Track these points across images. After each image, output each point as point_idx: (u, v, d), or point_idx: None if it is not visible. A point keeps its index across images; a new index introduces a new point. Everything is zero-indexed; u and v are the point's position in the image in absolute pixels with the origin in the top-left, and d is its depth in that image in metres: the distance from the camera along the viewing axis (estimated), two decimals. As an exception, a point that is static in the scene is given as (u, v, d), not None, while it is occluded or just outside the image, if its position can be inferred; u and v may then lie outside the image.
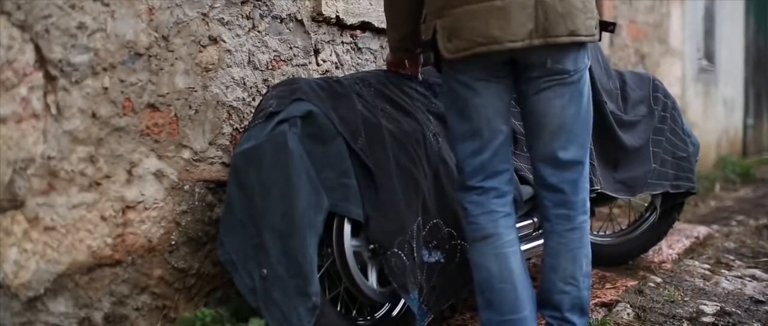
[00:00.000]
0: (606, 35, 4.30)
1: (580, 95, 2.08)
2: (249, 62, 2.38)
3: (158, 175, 2.12)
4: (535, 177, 2.17)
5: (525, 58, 2.01)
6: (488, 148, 2.09)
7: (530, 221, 2.64)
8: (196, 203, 2.23)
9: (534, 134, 2.11)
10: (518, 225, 2.54)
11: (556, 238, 2.14)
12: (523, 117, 2.15)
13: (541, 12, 1.94)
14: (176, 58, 2.14)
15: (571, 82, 2.04)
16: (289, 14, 2.52)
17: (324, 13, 2.62)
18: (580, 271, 2.12)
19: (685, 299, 2.93)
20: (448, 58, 2.01)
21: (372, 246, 2.19)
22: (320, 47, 2.66)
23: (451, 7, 1.98)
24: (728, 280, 3.22)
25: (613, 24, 2.18)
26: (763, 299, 3.02)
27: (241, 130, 2.34)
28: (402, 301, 2.34)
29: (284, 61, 2.52)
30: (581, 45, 2.04)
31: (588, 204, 2.16)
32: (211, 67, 2.25)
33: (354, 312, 2.30)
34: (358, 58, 2.84)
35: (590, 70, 2.31)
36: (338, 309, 2.22)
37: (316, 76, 2.64)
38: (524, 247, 2.57)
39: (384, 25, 2.87)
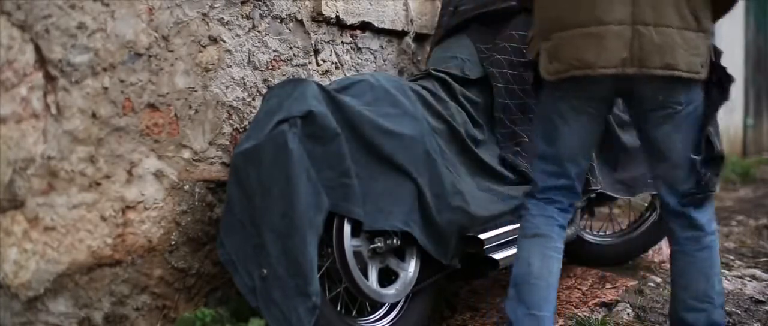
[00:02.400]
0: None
1: (696, 122, 2.10)
2: (249, 62, 2.38)
3: (158, 175, 2.12)
4: (661, 200, 2.20)
5: (636, 91, 2.06)
6: (564, 176, 2.18)
7: (530, 221, 2.64)
8: (196, 203, 2.23)
9: (655, 160, 2.16)
10: (518, 225, 2.55)
11: (686, 259, 2.17)
12: (643, 143, 2.20)
13: (637, 42, 1.97)
14: (176, 58, 2.14)
15: (686, 114, 2.07)
16: (289, 14, 2.52)
17: (324, 13, 2.62)
18: (713, 290, 2.16)
19: (685, 299, 2.92)
20: (547, 79, 2.10)
21: (373, 245, 2.20)
22: (320, 47, 2.66)
23: (556, 31, 2.05)
24: (728, 280, 3.22)
25: (729, 78, 2.12)
26: (763, 299, 3.01)
27: (241, 130, 2.34)
28: (401, 301, 2.35)
29: (284, 61, 2.52)
30: (691, 81, 2.04)
31: (714, 222, 2.20)
32: (211, 67, 2.25)
33: (354, 312, 2.30)
34: (358, 58, 2.84)
35: None
36: (338, 309, 2.22)
37: (316, 76, 2.64)
38: (524, 247, 2.57)
39: (383, 25, 2.88)
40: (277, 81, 2.45)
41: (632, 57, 1.98)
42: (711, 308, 2.15)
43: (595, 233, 3.27)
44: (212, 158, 2.27)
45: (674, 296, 2.22)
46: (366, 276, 2.21)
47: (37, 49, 1.82)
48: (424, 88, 2.58)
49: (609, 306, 2.76)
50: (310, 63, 2.62)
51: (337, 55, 2.74)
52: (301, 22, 2.57)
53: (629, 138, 2.95)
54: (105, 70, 1.96)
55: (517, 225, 2.53)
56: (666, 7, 1.98)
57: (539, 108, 2.23)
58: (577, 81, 2.06)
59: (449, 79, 2.68)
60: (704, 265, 2.15)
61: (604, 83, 2.05)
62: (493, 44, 2.83)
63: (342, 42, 2.76)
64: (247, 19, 2.37)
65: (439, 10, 3.07)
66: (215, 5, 2.25)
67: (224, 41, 2.29)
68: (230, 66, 2.32)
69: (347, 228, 2.14)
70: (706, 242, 2.15)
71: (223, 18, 2.28)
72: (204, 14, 2.22)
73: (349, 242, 2.14)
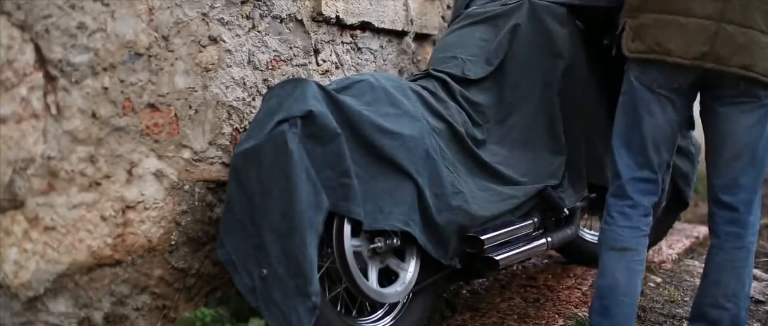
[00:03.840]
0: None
1: (767, 117, 2.10)
2: (249, 62, 2.38)
3: (158, 175, 2.12)
4: (710, 191, 2.20)
5: (716, 81, 2.07)
6: (648, 167, 2.19)
7: (530, 221, 2.64)
8: (196, 203, 2.23)
9: (715, 151, 2.16)
10: (518, 225, 2.56)
11: (723, 255, 2.18)
12: (706, 132, 2.19)
13: (720, 39, 1.99)
14: (176, 58, 2.14)
15: (761, 106, 2.07)
16: (289, 14, 2.52)
17: (324, 13, 2.62)
18: (742, 291, 2.17)
19: (685, 299, 2.93)
20: (627, 56, 2.13)
21: (373, 245, 2.20)
22: (320, 47, 2.66)
23: (644, 11, 2.08)
24: (728, 280, 3.22)
25: None
26: (763, 299, 3.02)
27: (241, 130, 2.34)
28: (401, 301, 2.35)
29: (284, 61, 2.52)
30: None
31: (758, 225, 2.20)
32: (211, 67, 2.25)
33: (354, 312, 2.30)
34: (358, 58, 2.84)
35: None
36: (338, 309, 2.22)
37: (316, 76, 2.64)
38: (524, 247, 2.57)
39: (383, 25, 2.88)
40: (277, 81, 2.45)
41: (712, 52, 2.00)
42: (735, 309, 2.16)
43: (594, 233, 3.27)
44: (212, 158, 2.27)
45: (703, 289, 2.22)
46: (366, 276, 2.21)
47: (37, 49, 1.82)
48: (424, 88, 2.58)
49: (609, 306, 2.76)
50: (310, 63, 2.62)
51: (337, 55, 2.74)
52: (301, 22, 2.57)
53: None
54: (105, 70, 1.96)
55: (517, 226, 2.55)
56: (754, 11, 1.99)
57: (626, 87, 2.23)
58: (656, 65, 2.08)
59: (449, 79, 2.68)
60: (739, 265, 2.16)
61: (682, 72, 2.06)
62: None
63: (342, 42, 2.76)
64: (247, 19, 2.37)
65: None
66: (215, 5, 2.25)
67: (224, 41, 2.29)
68: (230, 66, 2.32)
69: (347, 228, 2.14)
70: (746, 242, 2.16)
71: (223, 18, 2.28)
72: (204, 14, 2.22)
73: (349, 242, 2.14)
